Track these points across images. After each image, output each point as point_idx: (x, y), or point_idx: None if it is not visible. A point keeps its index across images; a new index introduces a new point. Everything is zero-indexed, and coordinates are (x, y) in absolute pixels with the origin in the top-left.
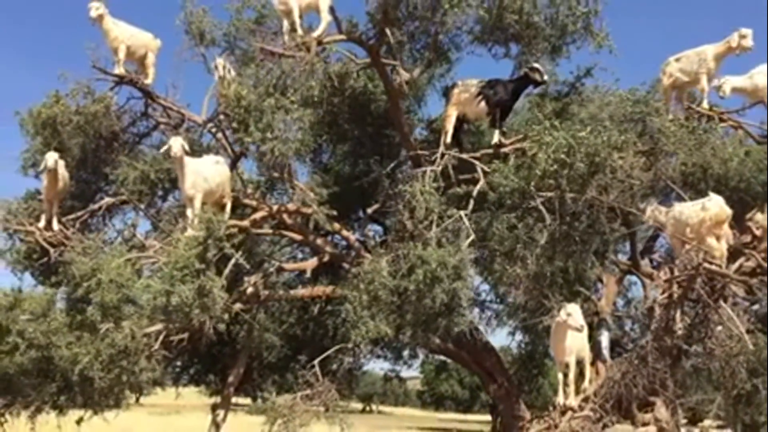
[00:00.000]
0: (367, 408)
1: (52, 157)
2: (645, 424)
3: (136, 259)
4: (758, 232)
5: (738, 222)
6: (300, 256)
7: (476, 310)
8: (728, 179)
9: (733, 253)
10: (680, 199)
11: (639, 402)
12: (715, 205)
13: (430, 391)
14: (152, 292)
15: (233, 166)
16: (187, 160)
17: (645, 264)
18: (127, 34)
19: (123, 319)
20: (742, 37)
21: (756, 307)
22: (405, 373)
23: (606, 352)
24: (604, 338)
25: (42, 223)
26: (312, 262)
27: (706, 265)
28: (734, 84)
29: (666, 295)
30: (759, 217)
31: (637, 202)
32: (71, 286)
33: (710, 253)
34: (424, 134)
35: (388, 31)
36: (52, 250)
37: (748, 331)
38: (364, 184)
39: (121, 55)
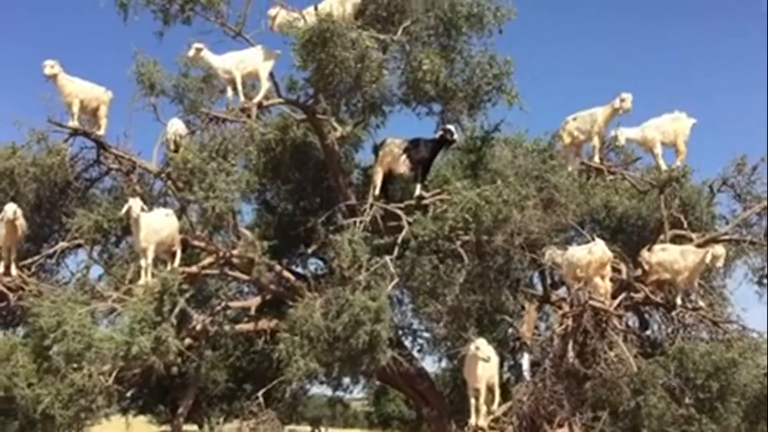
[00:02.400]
0: (316, 431)
1: (11, 209)
2: None
3: (96, 307)
4: (647, 267)
5: (634, 257)
6: (246, 290)
7: (409, 338)
8: (629, 217)
9: (627, 286)
10: (583, 239)
11: (549, 420)
12: (599, 249)
13: (377, 412)
14: (114, 343)
15: (182, 212)
16: (142, 215)
17: (558, 294)
18: (80, 89)
19: (85, 363)
20: (622, 100)
21: (648, 332)
22: (351, 395)
23: (527, 373)
24: (525, 361)
25: (0, 270)
26: (256, 300)
27: (591, 302)
28: (627, 135)
29: (562, 327)
30: (646, 254)
31: (542, 243)
32: (37, 336)
33: (597, 291)
34: (361, 178)
35: (321, 95)
36: (11, 295)
37: (637, 355)
38: (305, 223)
39: (75, 109)
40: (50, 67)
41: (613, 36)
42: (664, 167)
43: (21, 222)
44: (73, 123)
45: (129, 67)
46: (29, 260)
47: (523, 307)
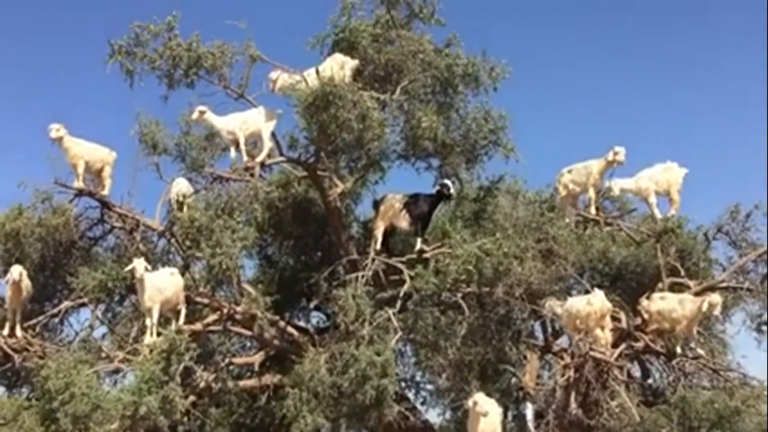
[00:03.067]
0: None
1: (16, 270)
2: None
3: (101, 365)
4: (646, 316)
5: (634, 305)
6: (249, 345)
7: (413, 391)
8: (627, 264)
9: (627, 335)
10: (583, 288)
11: None
12: (598, 300)
13: None
14: (122, 404)
15: (185, 269)
16: (147, 275)
17: (559, 343)
18: (85, 151)
19: (92, 424)
20: (616, 153)
21: (650, 381)
22: None
23: (531, 424)
24: (529, 411)
25: (6, 331)
26: (259, 356)
27: (592, 353)
28: (622, 185)
29: (564, 378)
30: (645, 303)
31: (543, 294)
32: (45, 398)
33: (597, 341)
34: (361, 233)
35: (323, 153)
36: (15, 356)
37: (640, 404)
38: (307, 278)
39: (80, 170)
40: (56, 130)
41: (610, 87)
42: (659, 216)
43: (26, 283)
44: (78, 184)
45: (132, 127)
46: (34, 320)
47: (525, 357)
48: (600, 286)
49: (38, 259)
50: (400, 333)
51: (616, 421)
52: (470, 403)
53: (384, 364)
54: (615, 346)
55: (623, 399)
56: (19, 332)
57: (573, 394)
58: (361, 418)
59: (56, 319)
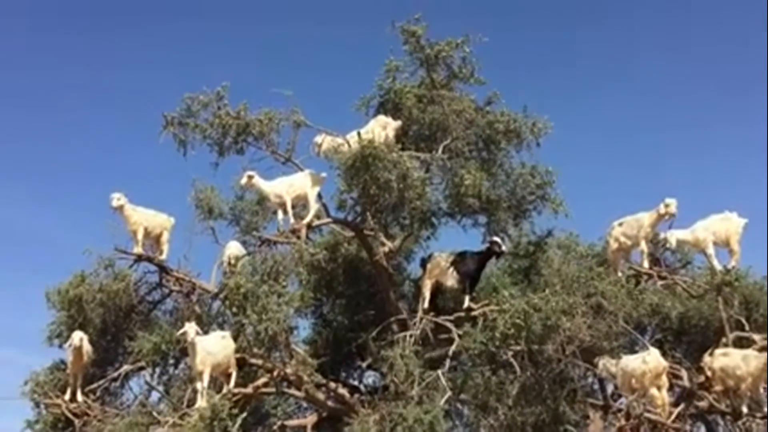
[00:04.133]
0: None
1: (77, 336)
2: None
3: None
4: (709, 374)
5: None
6: (305, 406)
7: None
8: (690, 319)
9: (689, 394)
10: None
11: None
12: (653, 358)
13: None
14: None
15: (238, 332)
16: (198, 339)
17: (620, 403)
18: (144, 218)
19: None
20: (667, 206)
21: None
22: None
23: None
24: None
25: (68, 396)
26: (311, 419)
27: (647, 414)
28: (678, 237)
29: None
30: (707, 359)
31: (599, 351)
32: None
33: (653, 402)
34: (412, 290)
35: (368, 214)
36: (76, 421)
37: None
38: (359, 337)
39: (140, 236)
40: (117, 199)
41: (662, 136)
42: (718, 268)
43: (87, 348)
44: (138, 250)
45: (188, 193)
46: (95, 384)
47: (587, 417)
48: (661, 342)
49: (100, 323)
50: (449, 393)
51: None
52: None
53: (432, 422)
54: (676, 405)
55: None
56: (80, 397)
57: None
58: None
59: (116, 383)
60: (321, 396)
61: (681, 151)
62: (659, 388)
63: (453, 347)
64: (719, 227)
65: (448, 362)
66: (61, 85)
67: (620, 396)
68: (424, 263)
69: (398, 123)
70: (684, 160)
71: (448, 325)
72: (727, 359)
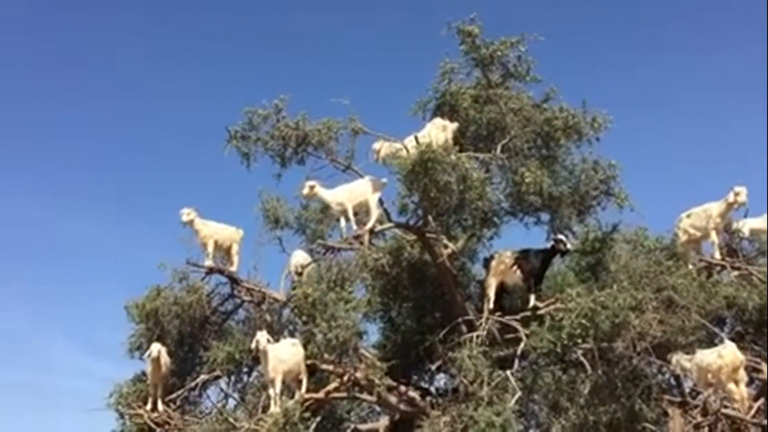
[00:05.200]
0: None
1: (155, 348)
2: None
3: None
4: None
5: None
6: (378, 410)
7: None
8: None
9: None
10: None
11: None
12: (729, 352)
13: None
14: None
15: (309, 339)
16: (269, 347)
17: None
18: (214, 231)
19: None
20: (737, 194)
21: None
22: None
23: None
24: None
25: (149, 406)
26: (384, 422)
27: (724, 410)
28: (752, 226)
29: None
30: None
31: (675, 346)
32: None
33: (731, 397)
34: (478, 291)
35: (430, 216)
36: (158, 430)
37: None
38: (427, 339)
39: (210, 249)
40: (187, 214)
41: (729, 123)
42: None
43: (165, 360)
44: (209, 262)
45: (255, 205)
46: (174, 394)
47: (665, 414)
48: (741, 336)
49: (176, 335)
50: (519, 393)
51: None
52: None
53: (503, 425)
54: (757, 400)
55: None
56: (160, 406)
57: None
58: None
59: (195, 392)
60: (393, 399)
61: (752, 138)
62: (737, 382)
63: (521, 347)
64: None
65: (516, 362)
66: (131, 108)
67: (699, 392)
68: (487, 263)
69: (455, 125)
70: (756, 148)
71: (515, 324)
72: None
